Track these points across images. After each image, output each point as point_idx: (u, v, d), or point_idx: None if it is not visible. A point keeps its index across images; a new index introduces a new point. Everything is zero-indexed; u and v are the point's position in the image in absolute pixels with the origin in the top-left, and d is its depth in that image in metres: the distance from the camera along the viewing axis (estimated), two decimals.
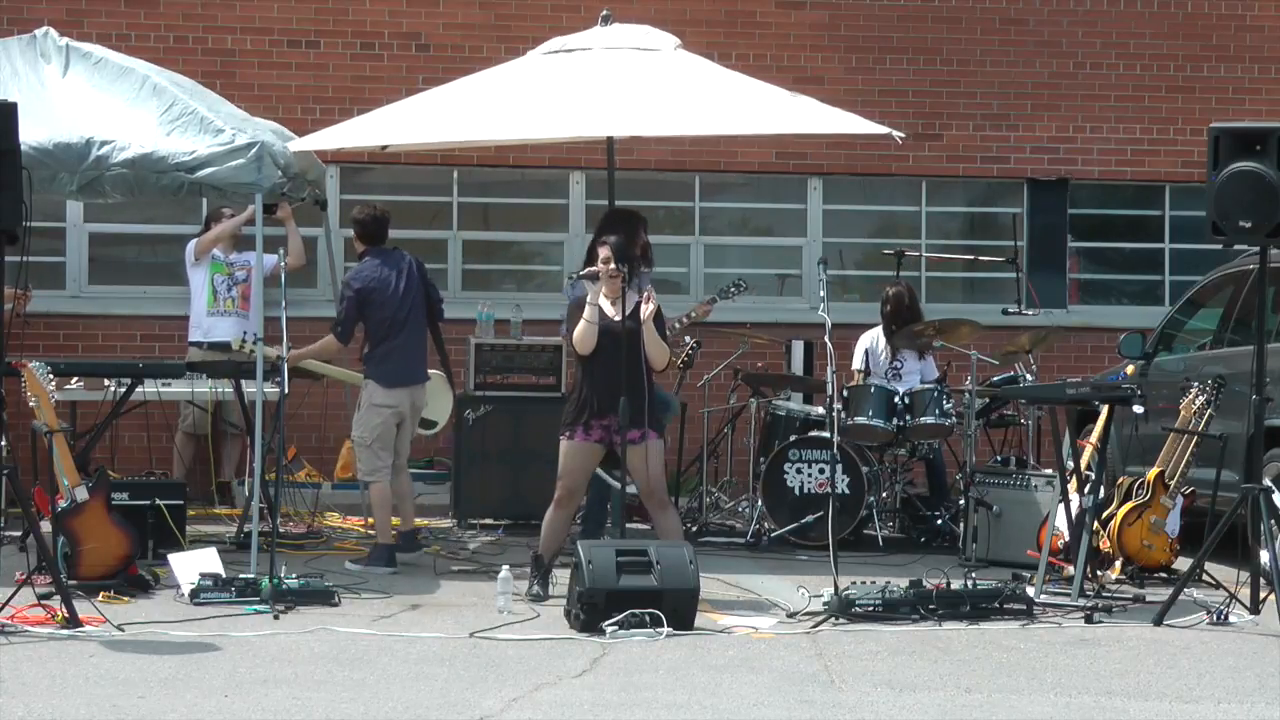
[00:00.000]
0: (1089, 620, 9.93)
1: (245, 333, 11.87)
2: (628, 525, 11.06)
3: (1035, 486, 11.82)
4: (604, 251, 10.40)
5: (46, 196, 11.97)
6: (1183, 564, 11.03)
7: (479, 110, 11.76)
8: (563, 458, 10.38)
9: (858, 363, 13.16)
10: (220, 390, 12.57)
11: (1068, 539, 10.89)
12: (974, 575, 10.55)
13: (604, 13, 12.18)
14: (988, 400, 13.04)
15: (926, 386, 12.65)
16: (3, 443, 9.79)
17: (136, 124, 11.01)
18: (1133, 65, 15.89)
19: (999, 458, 13.12)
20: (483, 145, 14.15)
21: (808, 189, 15.77)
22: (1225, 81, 15.94)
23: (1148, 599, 10.45)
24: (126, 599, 9.97)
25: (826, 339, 10.43)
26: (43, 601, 9.32)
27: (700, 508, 13.24)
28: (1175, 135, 15.85)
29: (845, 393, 12.56)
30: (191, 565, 10.25)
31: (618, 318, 10.29)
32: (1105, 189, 16.11)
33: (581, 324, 10.26)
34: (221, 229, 13.38)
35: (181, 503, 11.48)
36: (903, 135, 11.95)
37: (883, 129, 11.69)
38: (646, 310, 10.27)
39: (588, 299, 10.36)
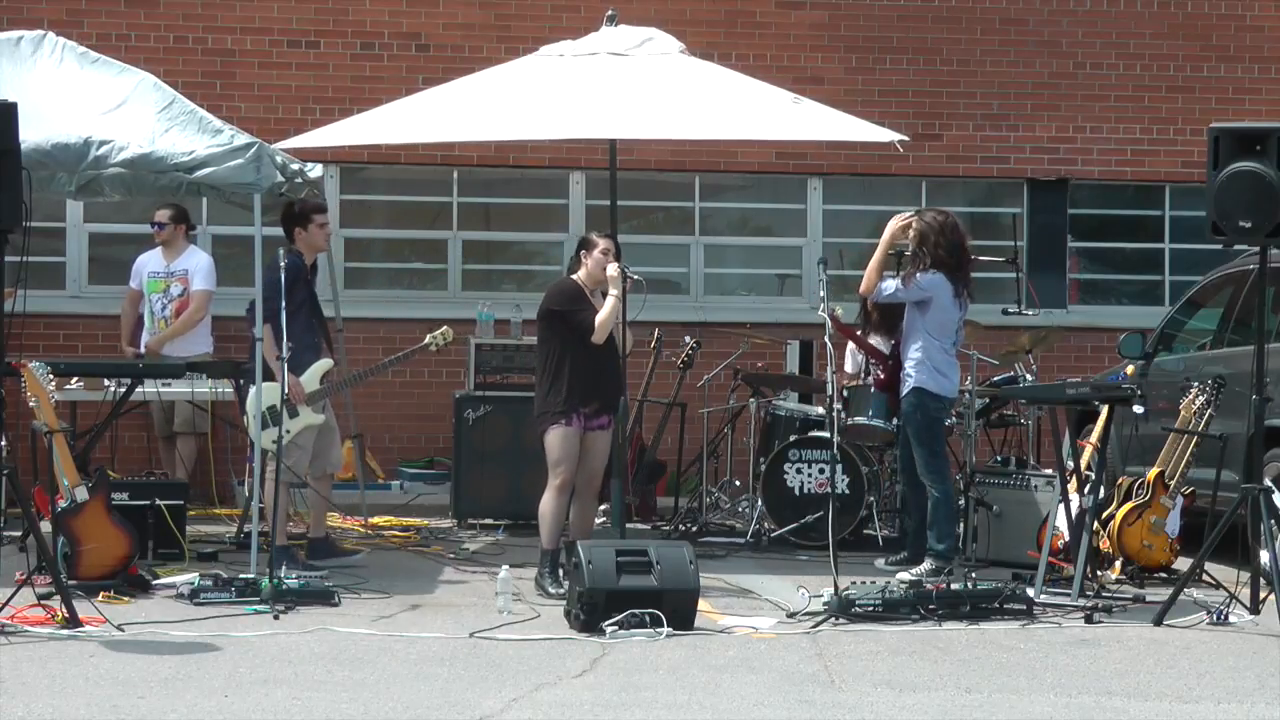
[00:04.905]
0: (1089, 620, 9.92)
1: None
2: (627, 525, 11.06)
3: (1035, 486, 11.83)
4: (604, 243, 10.72)
5: (46, 196, 11.96)
6: (1183, 564, 11.02)
7: (479, 110, 11.74)
8: (558, 446, 10.54)
9: (849, 364, 13.13)
10: (220, 390, 12.54)
11: (1068, 539, 10.89)
12: (974, 575, 10.56)
13: (609, 12, 12.17)
14: (988, 400, 13.03)
15: None
16: (3, 443, 9.78)
17: (135, 124, 10.99)
18: (1133, 65, 15.88)
19: (999, 458, 13.11)
20: (482, 144, 14.14)
21: (808, 189, 15.76)
22: (1225, 81, 15.93)
23: (1148, 599, 10.45)
24: (126, 599, 9.97)
25: (826, 339, 10.44)
26: (43, 601, 9.32)
27: (700, 508, 13.23)
28: (1175, 135, 15.84)
29: (845, 393, 12.55)
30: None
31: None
32: (1105, 189, 16.10)
33: (605, 314, 10.51)
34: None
35: (182, 503, 11.45)
36: (905, 139, 11.93)
37: (885, 137, 11.62)
38: (614, 294, 10.54)
39: (585, 290, 10.64)
